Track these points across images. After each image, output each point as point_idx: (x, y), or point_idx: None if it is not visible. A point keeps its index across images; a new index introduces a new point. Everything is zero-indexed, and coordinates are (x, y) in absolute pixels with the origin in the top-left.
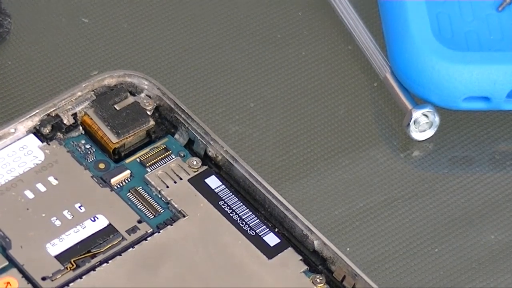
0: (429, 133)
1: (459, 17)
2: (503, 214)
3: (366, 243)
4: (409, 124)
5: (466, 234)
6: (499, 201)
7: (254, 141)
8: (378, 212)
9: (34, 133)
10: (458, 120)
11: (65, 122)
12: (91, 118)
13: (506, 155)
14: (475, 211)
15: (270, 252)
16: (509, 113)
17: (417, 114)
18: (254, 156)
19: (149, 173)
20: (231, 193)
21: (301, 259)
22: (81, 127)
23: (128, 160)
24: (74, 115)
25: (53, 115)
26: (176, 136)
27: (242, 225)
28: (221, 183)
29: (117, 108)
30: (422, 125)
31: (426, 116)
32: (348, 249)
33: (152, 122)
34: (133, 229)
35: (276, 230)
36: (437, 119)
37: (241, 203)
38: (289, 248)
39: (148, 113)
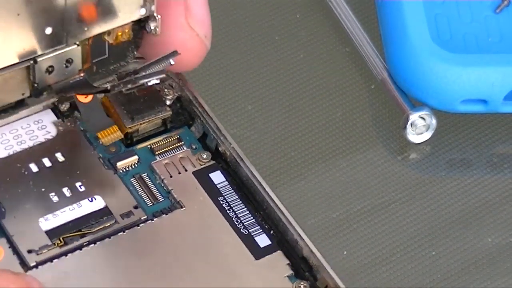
0: (426, 135)
1: (457, 19)
2: (500, 217)
3: (363, 245)
4: (406, 126)
5: (463, 236)
6: (496, 203)
7: (252, 143)
8: (375, 214)
9: (52, 109)
10: (456, 122)
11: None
12: (109, 101)
13: (504, 157)
14: (472, 214)
15: (258, 252)
16: (506, 116)
17: (414, 116)
18: (252, 159)
19: (155, 161)
20: (232, 191)
21: (288, 264)
22: None
23: (139, 146)
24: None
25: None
26: (192, 128)
27: (236, 223)
28: (224, 179)
29: (137, 94)
30: (419, 128)
31: (423, 118)
32: (345, 252)
33: (168, 112)
34: (127, 214)
35: (272, 232)
36: (434, 122)
37: (241, 202)
38: (279, 251)
39: (168, 102)
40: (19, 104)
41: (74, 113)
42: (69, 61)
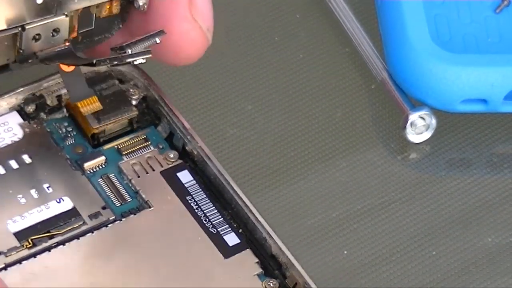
0: (426, 135)
1: (457, 19)
2: (500, 217)
3: (363, 245)
4: (405, 126)
5: (463, 236)
6: (496, 203)
7: (252, 143)
8: (375, 214)
9: (18, 111)
10: (455, 122)
11: (48, 103)
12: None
13: (504, 157)
14: (472, 214)
15: (227, 251)
16: (506, 116)
17: (413, 116)
18: (251, 159)
19: (123, 162)
20: (200, 190)
21: (257, 262)
22: (65, 110)
23: (106, 147)
24: (59, 97)
25: (38, 94)
26: (159, 128)
27: (205, 222)
28: (192, 179)
29: (103, 94)
30: (419, 128)
31: (423, 118)
32: (345, 252)
33: (135, 112)
34: (95, 215)
35: (240, 230)
36: (434, 122)
37: (209, 201)
38: (247, 249)
39: (134, 102)
40: (3, 69)
41: (40, 114)
42: (56, 30)
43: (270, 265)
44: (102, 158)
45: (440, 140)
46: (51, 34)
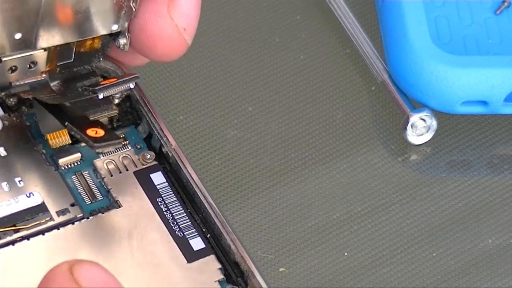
0: (427, 137)
1: (457, 20)
2: (500, 218)
3: (364, 247)
4: (406, 128)
5: (463, 238)
6: (496, 205)
7: (253, 145)
8: (376, 216)
9: (0, 103)
10: (456, 124)
11: (30, 97)
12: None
13: (504, 159)
14: (473, 215)
15: (191, 255)
16: (507, 117)
17: (414, 118)
18: (252, 160)
19: (98, 160)
20: (171, 192)
21: (219, 268)
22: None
23: (83, 144)
24: None
25: None
26: (139, 128)
27: (172, 225)
28: (165, 181)
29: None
30: (420, 129)
31: (424, 120)
32: (346, 253)
33: (115, 110)
34: (63, 211)
35: (209, 236)
36: (434, 123)
37: (178, 204)
38: (212, 255)
39: (116, 101)
40: None
41: (21, 108)
42: (33, 63)
43: (234, 272)
44: (78, 155)
45: (440, 142)
46: (28, 66)
